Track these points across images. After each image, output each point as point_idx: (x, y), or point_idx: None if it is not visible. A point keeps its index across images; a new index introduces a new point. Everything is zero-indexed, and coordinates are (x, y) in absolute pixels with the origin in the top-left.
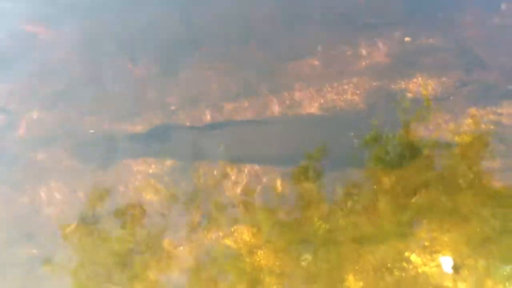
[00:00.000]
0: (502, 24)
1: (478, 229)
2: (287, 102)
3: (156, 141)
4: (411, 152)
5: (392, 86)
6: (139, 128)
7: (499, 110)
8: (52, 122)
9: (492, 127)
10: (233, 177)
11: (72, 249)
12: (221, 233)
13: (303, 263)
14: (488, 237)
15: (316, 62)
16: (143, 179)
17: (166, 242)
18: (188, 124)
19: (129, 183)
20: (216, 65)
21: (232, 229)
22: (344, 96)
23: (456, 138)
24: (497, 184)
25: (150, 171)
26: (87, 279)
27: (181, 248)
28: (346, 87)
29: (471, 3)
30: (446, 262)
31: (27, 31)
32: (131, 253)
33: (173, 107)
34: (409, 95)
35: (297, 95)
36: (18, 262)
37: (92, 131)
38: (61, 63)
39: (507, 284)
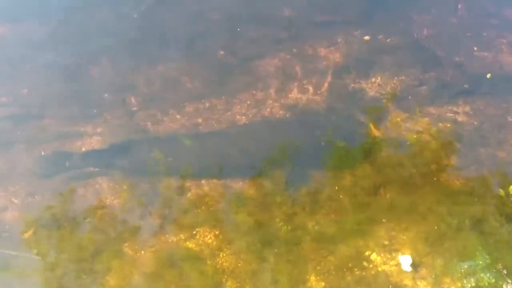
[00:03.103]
0: (458, 24)
1: (435, 227)
2: (248, 103)
3: (116, 154)
4: (370, 151)
5: (353, 85)
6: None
7: (455, 109)
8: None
9: (448, 125)
10: (195, 184)
11: (31, 254)
12: (182, 236)
13: None
14: (445, 235)
15: (277, 62)
16: (103, 182)
17: (126, 246)
18: (149, 127)
19: (89, 186)
20: (175, 65)
21: (194, 232)
22: (306, 96)
23: (414, 137)
24: (453, 182)
25: None
26: (46, 283)
27: (142, 252)
28: (306, 87)
29: (428, 3)
30: (405, 260)
31: None
32: (91, 258)
33: (134, 108)
34: (369, 94)
35: (258, 95)
36: None
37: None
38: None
39: (465, 282)
